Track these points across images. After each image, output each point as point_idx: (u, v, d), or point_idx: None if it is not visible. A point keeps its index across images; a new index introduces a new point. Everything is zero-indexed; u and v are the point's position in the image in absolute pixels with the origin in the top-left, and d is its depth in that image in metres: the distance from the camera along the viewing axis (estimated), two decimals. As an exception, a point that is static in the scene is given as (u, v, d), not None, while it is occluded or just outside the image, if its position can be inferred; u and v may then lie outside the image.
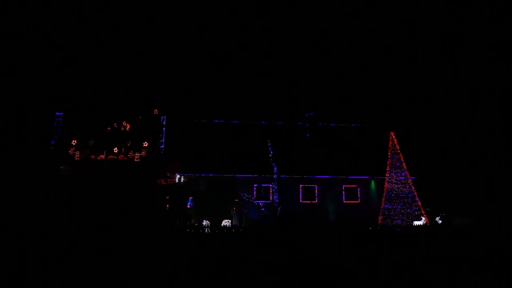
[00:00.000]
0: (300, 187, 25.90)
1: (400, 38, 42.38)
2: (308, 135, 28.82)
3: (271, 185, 25.21)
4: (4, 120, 23.94)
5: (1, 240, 16.83)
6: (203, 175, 24.86)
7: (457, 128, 30.22)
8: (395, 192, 25.04)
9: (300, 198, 25.89)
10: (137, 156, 24.39)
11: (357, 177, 26.34)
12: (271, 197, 25.18)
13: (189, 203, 22.80)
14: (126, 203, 22.22)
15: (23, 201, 21.18)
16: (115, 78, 30.63)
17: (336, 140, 28.62)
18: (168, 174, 24.28)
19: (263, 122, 28.88)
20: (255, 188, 25.47)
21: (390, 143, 27.41)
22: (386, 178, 25.87)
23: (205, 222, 21.86)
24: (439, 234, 20.55)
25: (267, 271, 12.34)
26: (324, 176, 26.04)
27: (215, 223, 21.68)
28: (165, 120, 26.36)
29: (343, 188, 26.42)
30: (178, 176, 24.12)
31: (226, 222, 22.42)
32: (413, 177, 25.90)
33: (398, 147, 27.63)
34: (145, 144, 25.08)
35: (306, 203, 25.69)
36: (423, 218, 23.21)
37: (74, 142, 24.22)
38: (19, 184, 21.89)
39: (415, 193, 24.88)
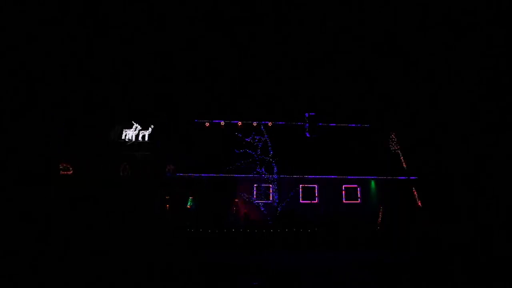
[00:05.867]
0: (300, 187, 25.90)
1: (400, 37, 42.32)
2: (308, 135, 28.82)
3: (271, 185, 25.20)
4: (5, 120, 23.93)
5: (2, 240, 16.82)
6: (203, 175, 24.86)
7: (457, 127, 30.17)
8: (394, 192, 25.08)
9: (300, 198, 25.89)
10: (136, 156, 24.38)
11: (357, 177, 26.32)
12: (271, 197, 25.18)
13: (189, 203, 22.81)
14: (126, 202, 22.23)
15: (23, 201, 21.17)
16: (115, 78, 30.58)
17: (336, 140, 28.62)
18: (169, 174, 24.27)
19: (263, 122, 28.88)
20: (255, 188, 25.47)
21: (390, 143, 27.43)
22: (386, 178, 25.87)
23: None
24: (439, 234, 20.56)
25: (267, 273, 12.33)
26: (324, 176, 26.02)
27: (216, 223, 21.66)
28: (165, 120, 26.35)
29: (343, 188, 26.41)
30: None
31: None
32: (413, 177, 25.91)
33: (398, 147, 27.65)
34: (145, 144, 25.13)
35: (306, 203, 25.69)
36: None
37: (74, 142, 24.24)
38: (19, 184, 21.87)
39: (415, 193, 24.89)
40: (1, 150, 22.34)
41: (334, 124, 29.80)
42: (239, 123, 28.76)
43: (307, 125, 29.02)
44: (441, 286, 10.69)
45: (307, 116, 29.18)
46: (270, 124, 28.72)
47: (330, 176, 26.05)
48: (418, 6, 41.26)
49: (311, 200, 25.72)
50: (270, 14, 44.38)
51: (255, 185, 25.42)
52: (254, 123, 28.89)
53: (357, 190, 26.48)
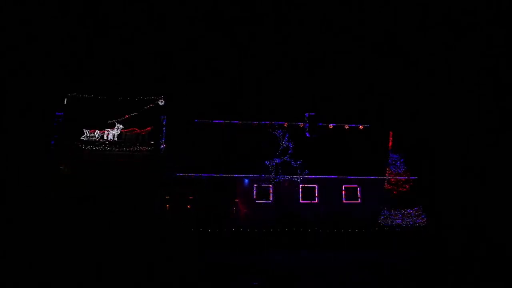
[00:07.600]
0: (300, 187, 25.88)
1: (400, 37, 42.33)
2: (308, 135, 28.80)
3: (271, 185, 25.18)
4: (4, 120, 23.93)
5: (2, 240, 16.83)
6: (203, 175, 24.85)
7: (457, 127, 30.17)
8: (395, 192, 25.05)
9: (300, 198, 25.88)
10: (137, 156, 24.38)
11: (357, 177, 26.31)
12: (271, 197, 25.16)
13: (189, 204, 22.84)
14: (126, 203, 22.22)
15: (23, 201, 21.17)
16: (114, 78, 30.58)
17: (336, 140, 28.60)
18: (169, 174, 24.27)
19: (263, 122, 28.87)
20: (255, 188, 25.46)
21: (390, 143, 27.41)
22: (386, 178, 25.85)
23: None
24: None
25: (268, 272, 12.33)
26: (324, 176, 26.01)
27: (216, 223, 21.66)
28: (165, 120, 26.35)
29: (343, 188, 26.40)
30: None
31: None
32: (413, 177, 25.89)
33: (398, 147, 27.61)
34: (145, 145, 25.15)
35: (306, 203, 25.68)
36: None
37: (73, 142, 24.25)
38: (19, 184, 21.87)
39: (415, 193, 24.86)
40: (1, 150, 22.34)
41: (334, 124, 29.78)
42: (239, 123, 28.75)
43: (307, 125, 29.00)
44: (441, 286, 10.69)
45: (307, 116, 29.16)
46: (270, 124, 28.70)
47: (330, 176, 26.05)
48: (418, 6, 41.25)
49: (311, 200, 25.72)
50: (270, 14, 44.37)
51: (255, 185, 25.42)
52: (254, 123, 28.88)
53: (357, 190, 26.48)
